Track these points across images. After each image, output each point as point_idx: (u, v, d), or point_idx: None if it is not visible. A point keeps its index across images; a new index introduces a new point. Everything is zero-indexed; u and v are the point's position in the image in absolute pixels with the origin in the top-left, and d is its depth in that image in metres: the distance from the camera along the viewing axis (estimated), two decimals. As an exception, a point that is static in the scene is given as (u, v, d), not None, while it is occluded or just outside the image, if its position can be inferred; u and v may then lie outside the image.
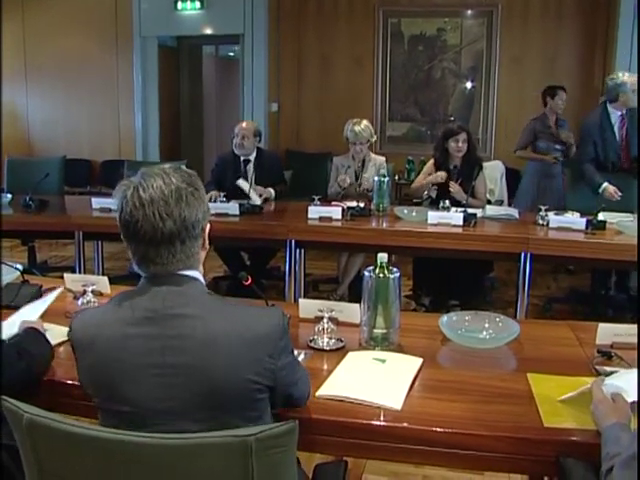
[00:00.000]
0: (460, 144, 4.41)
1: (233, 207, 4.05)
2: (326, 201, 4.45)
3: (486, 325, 2.12)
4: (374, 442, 1.60)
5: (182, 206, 1.34)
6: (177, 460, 1.17)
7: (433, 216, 3.92)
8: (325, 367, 1.87)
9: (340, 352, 1.97)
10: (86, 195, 5.83)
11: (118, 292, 1.47)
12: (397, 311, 2.01)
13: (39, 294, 2.42)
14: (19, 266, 2.59)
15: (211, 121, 8.62)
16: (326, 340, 2.02)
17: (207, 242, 1.46)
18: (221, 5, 7.14)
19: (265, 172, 4.71)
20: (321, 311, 2.06)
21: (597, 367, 1.86)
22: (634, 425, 1.44)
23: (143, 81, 7.57)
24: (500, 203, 4.58)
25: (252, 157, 4.77)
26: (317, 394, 1.67)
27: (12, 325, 1.90)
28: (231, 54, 9.03)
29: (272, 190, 4.67)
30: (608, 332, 2.04)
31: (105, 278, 2.50)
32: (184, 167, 1.47)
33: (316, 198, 4.21)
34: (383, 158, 4.82)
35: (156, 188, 1.33)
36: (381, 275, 1.97)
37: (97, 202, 4.33)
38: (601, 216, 3.86)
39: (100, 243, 4.54)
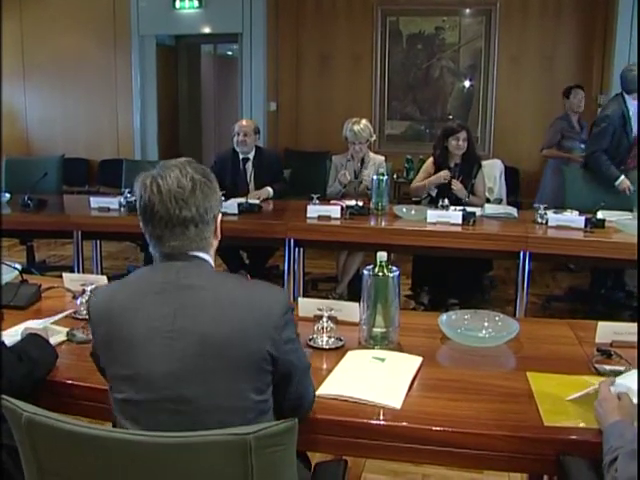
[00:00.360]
0: (461, 142, 4.41)
1: (232, 206, 4.04)
2: (325, 200, 4.45)
3: (485, 324, 2.12)
4: (374, 441, 1.59)
5: (197, 195, 1.44)
6: (176, 458, 1.17)
7: (432, 215, 3.92)
8: (324, 366, 1.87)
9: (339, 351, 1.97)
10: (84, 194, 5.82)
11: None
12: (396, 310, 2.01)
13: (38, 293, 2.41)
14: (18, 265, 2.59)
15: (209, 120, 8.61)
16: (325, 339, 2.02)
17: (219, 231, 1.55)
18: (219, 4, 7.12)
19: (264, 170, 4.71)
20: (320, 310, 2.06)
21: (597, 366, 1.86)
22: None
23: (141, 80, 7.56)
24: (499, 202, 4.58)
25: (251, 155, 4.76)
26: (317, 393, 1.66)
27: (15, 335, 1.89)
28: (229, 53, 9.02)
29: (270, 189, 4.66)
30: (608, 330, 2.04)
31: (104, 277, 2.50)
32: None
33: (315, 197, 4.21)
34: (382, 157, 4.81)
35: (173, 178, 1.44)
36: (380, 274, 1.97)
37: (95, 201, 4.32)
38: (600, 214, 3.86)
39: (99, 242, 4.54)
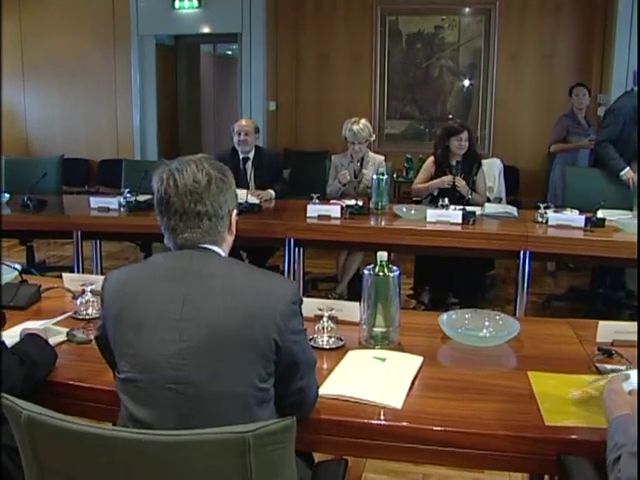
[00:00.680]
0: (463, 142, 4.43)
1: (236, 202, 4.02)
2: (325, 200, 4.44)
3: (486, 323, 2.12)
4: (374, 441, 1.59)
5: (212, 189, 1.49)
6: (176, 456, 1.17)
7: (432, 214, 3.92)
8: (325, 366, 1.86)
9: (340, 351, 1.97)
10: (84, 194, 5.82)
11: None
12: (397, 309, 2.00)
13: (38, 294, 2.41)
14: (18, 266, 2.58)
15: (209, 120, 8.60)
16: (326, 339, 2.01)
17: (234, 227, 1.59)
18: (219, 4, 7.12)
19: (264, 170, 4.70)
20: (321, 310, 2.05)
21: (598, 365, 1.86)
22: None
23: (141, 80, 7.55)
24: (499, 201, 4.58)
25: (251, 155, 4.76)
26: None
27: (14, 336, 1.88)
28: (229, 53, 9.02)
29: (272, 192, 4.65)
30: (608, 330, 2.04)
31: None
32: None
33: (315, 197, 4.20)
34: (382, 157, 4.80)
35: (190, 173, 1.48)
36: (381, 273, 1.96)
37: (95, 201, 4.32)
38: (600, 213, 3.86)
39: (98, 242, 4.53)
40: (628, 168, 4.37)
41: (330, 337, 2.02)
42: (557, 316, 4.08)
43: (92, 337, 1.97)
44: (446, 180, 4.41)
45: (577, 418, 1.58)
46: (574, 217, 3.86)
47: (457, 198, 4.27)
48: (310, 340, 1.98)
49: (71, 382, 1.77)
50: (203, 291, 1.42)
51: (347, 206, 4.09)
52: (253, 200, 4.34)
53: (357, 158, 4.68)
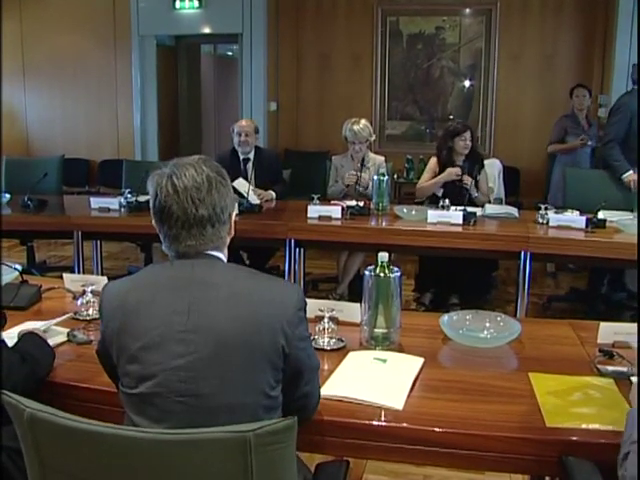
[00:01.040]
0: (467, 142, 4.45)
1: (235, 204, 4.01)
2: (326, 200, 4.44)
3: (487, 324, 2.12)
4: (375, 442, 1.59)
5: (213, 193, 1.44)
6: (177, 455, 1.17)
7: (433, 215, 3.92)
8: (326, 367, 1.86)
9: (341, 352, 1.96)
10: (85, 195, 5.82)
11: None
12: (398, 310, 2.00)
13: (38, 294, 2.41)
14: (18, 266, 2.58)
15: (209, 120, 8.60)
16: (327, 340, 2.01)
17: (233, 228, 1.56)
18: (219, 4, 7.12)
19: (264, 171, 4.69)
20: (321, 311, 2.05)
21: (599, 366, 1.85)
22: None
23: (141, 80, 7.56)
24: (499, 201, 4.57)
25: (251, 155, 4.75)
26: (319, 394, 1.66)
27: (14, 337, 1.88)
28: (229, 53, 9.01)
29: (273, 193, 4.64)
30: (609, 331, 2.03)
31: (104, 278, 2.49)
32: None
33: (315, 197, 4.20)
34: (382, 158, 4.80)
35: (189, 177, 1.43)
36: (382, 274, 1.96)
37: (96, 202, 4.32)
38: (601, 214, 3.86)
39: (99, 243, 4.53)
40: (631, 171, 4.34)
41: (331, 338, 2.02)
42: (558, 317, 4.08)
43: (92, 338, 1.98)
44: (453, 172, 4.41)
45: (578, 419, 1.57)
46: (575, 218, 3.86)
47: (461, 198, 4.24)
48: (311, 341, 1.98)
49: (72, 383, 1.77)
50: (207, 300, 1.38)
51: (348, 207, 4.09)
52: (254, 200, 4.34)
53: (357, 158, 4.68)
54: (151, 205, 1.47)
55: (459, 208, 4.01)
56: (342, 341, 2.02)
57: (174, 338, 1.35)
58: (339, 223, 3.95)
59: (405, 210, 4.14)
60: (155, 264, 1.55)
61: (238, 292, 1.41)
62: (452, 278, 4.44)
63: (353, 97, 7.38)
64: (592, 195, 4.25)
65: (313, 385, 1.54)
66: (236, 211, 1.60)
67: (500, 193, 5.12)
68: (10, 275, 2.49)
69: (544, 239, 3.72)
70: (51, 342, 1.92)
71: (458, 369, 1.91)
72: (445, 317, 2.12)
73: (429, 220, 3.90)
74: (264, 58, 7.20)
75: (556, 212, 4.00)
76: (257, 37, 7.12)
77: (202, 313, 1.36)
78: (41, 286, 2.46)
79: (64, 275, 2.56)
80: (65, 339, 2.02)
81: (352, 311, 2.17)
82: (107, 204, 4.27)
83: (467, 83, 7.31)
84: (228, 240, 1.55)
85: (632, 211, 4.01)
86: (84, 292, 2.27)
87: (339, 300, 4.01)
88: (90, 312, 2.21)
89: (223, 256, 1.52)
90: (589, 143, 5.49)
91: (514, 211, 4.16)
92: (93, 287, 2.26)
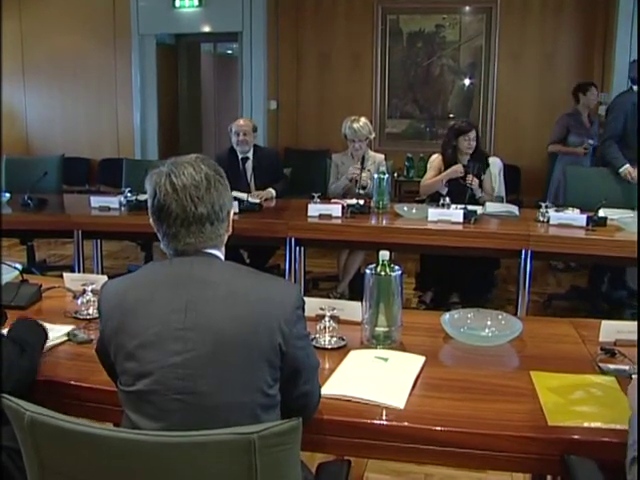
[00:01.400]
0: (471, 142, 4.44)
1: (233, 202, 4.01)
2: (326, 199, 4.44)
3: (488, 323, 2.11)
4: (377, 441, 1.58)
5: (211, 191, 1.45)
6: (180, 457, 1.16)
7: (433, 213, 3.91)
8: (327, 366, 1.86)
9: (342, 351, 1.96)
10: (85, 194, 5.82)
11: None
12: (399, 309, 2.00)
13: (38, 293, 2.41)
14: (18, 265, 2.58)
15: (209, 119, 8.60)
16: (328, 339, 2.00)
17: (231, 226, 1.56)
18: (219, 3, 7.11)
19: (264, 170, 4.68)
20: (322, 309, 2.04)
21: (601, 365, 1.85)
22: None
23: (141, 79, 7.55)
24: (500, 200, 4.56)
25: (250, 154, 4.74)
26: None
27: None
28: (229, 52, 9.01)
29: (272, 190, 4.63)
30: (611, 329, 2.03)
31: (104, 277, 2.47)
32: None
33: (316, 196, 4.19)
34: (382, 156, 4.79)
35: (187, 175, 1.43)
36: (383, 273, 1.95)
37: (96, 201, 4.31)
38: (602, 212, 3.86)
39: (99, 242, 4.53)
40: (627, 164, 4.39)
41: (332, 337, 2.01)
42: (559, 315, 4.07)
43: (93, 337, 1.97)
44: (457, 169, 4.40)
45: (580, 418, 1.57)
46: (575, 216, 3.85)
47: (465, 197, 4.22)
48: (312, 340, 1.97)
49: (71, 382, 1.76)
50: (206, 299, 1.38)
51: (348, 205, 4.09)
52: (254, 199, 4.33)
53: (357, 157, 4.67)
54: (149, 204, 1.47)
55: (460, 206, 4.00)
56: (343, 340, 2.01)
57: (172, 336, 1.35)
58: (339, 222, 3.95)
59: (405, 208, 4.14)
60: (154, 262, 1.55)
61: (236, 290, 1.41)
62: (453, 276, 4.44)
63: (353, 95, 7.37)
64: (593, 193, 4.25)
65: (313, 384, 1.54)
66: (235, 209, 1.59)
67: (501, 191, 5.11)
68: (10, 274, 2.48)
69: (545, 237, 3.71)
70: (52, 342, 1.93)
71: (459, 368, 1.91)
72: (446, 315, 2.12)
73: (430, 218, 3.90)
74: (264, 57, 7.19)
75: (557, 210, 3.99)
76: (257, 36, 7.12)
77: (200, 311, 1.36)
78: (41, 285, 2.45)
79: (64, 274, 2.56)
80: (65, 338, 2.01)
81: (353, 310, 2.16)
82: (107, 203, 4.27)
83: (467, 81, 7.30)
84: (226, 238, 1.55)
85: (633, 209, 4.01)
86: (84, 291, 2.27)
87: (339, 299, 4.01)
88: (90, 311, 2.21)
89: (221, 254, 1.52)
90: (590, 142, 5.48)
91: (515, 209, 4.16)
92: (93, 286, 2.25)
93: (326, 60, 7.51)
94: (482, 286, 4.54)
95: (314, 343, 1.96)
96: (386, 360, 1.86)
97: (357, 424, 1.58)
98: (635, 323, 2.02)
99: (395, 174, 6.71)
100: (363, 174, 4.59)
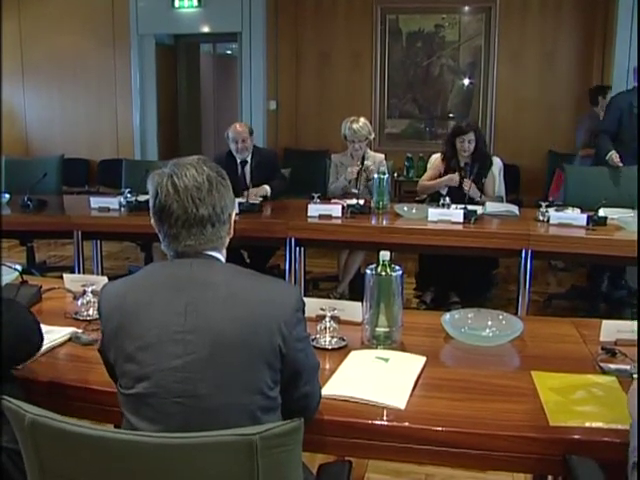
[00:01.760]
0: (466, 145, 4.39)
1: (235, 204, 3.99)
2: (326, 199, 4.43)
3: (489, 322, 2.11)
4: (378, 442, 1.58)
5: (213, 193, 1.44)
6: (181, 459, 1.16)
7: (433, 213, 3.91)
8: (328, 366, 1.85)
9: (342, 351, 1.95)
10: (84, 194, 5.81)
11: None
12: (399, 309, 1.99)
13: (38, 294, 2.40)
14: (18, 266, 2.57)
15: (209, 119, 8.60)
16: (328, 339, 2.00)
17: (232, 228, 1.55)
18: (219, 3, 7.11)
19: (262, 170, 4.63)
20: (323, 310, 2.04)
21: (601, 364, 1.85)
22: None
23: (141, 79, 7.55)
24: (500, 199, 4.56)
25: (249, 158, 4.68)
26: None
27: None
28: (229, 52, 9.01)
29: (267, 187, 4.57)
30: (612, 329, 2.02)
31: (104, 278, 2.48)
32: None
33: (316, 196, 4.19)
34: (382, 155, 4.79)
35: (190, 177, 1.43)
36: (383, 273, 1.95)
37: (95, 201, 4.31)
38: (602, 212, 3.85)
39: (99, 242, 4.52)
40: (613, 151, 4.47)
41: (332, 337, 2.01)
42: (559, 315, 4.07)
43: (96, 338, 1.97)
44: (454, 178, 4.39)
45: (582, 418, 1.57)
46: (576, 216, 3.85)
47: (463, 199, 4.21)
48: (312, 340, 1.97)
49: (73, 383, 1.76)
50: (205, 300, 1.37)
51: (348, 205, 4.08)
52: (254, 200, 4.32)
53: (357, 157, 4.66)
54: (151, 204, 1.46)
55: (460, 206, 4.00)
56: (343, 340, 2.01)
57: (171, 339, 1.35)
58: (339, 222, 3.95)
59: (405, 208, 4.13)
60: (154, 264, 1.55)
61: (236, 292, 1.40)
62: (452, 276, 4.43)
63: (353, 95, 7.37)
64: (593, 193, 4.25)
65: (313, 385, 1.54)
66: (236, 210, 1.59)
67: (501, 191, 5.11)
68: (10, 275, 2.48)
69: (545, 237, 3.71)
70: (53, 343, 1.93)
71: (460, 368, 1.90)
72: (447, 315, 2.11)
73: (430, 218, 3.89)
74: (263, 57, 7.19)
75: (557, 210, 3.99)
76: (256, 36, 7.11)
77: (200, 313, 1.36)
78: (41, 286, 2.45)
79: (64, 275, 2.55)
80: (66, 338, 2.01)
81: (353, 310, 2.16)
82: (107, 204, 4.27)
83: (467, 81, 7.30)
84: (227, 241, 1.54)
85: (633, 208, 4.00)
86: (84, 292, 2.26)
87: (340, 299, 4.01)
88: (90, 312, 2.21)
89: (222, 257, 1.52)
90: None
91: (515, 209, 4.15)
92: (93, 287, 2.25)
93: (326, 60, 7.51)
94: (481, 286, 4.54)
95: (315, 343, 1.96)
96: (387, 360, 1.86)
97: (358, 424, 1.58)
98: (635, 322, 2.01)
99: (395, 174, 6.71)
100: (367, 162, 4.55)
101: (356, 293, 4.19)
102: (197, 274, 1.42)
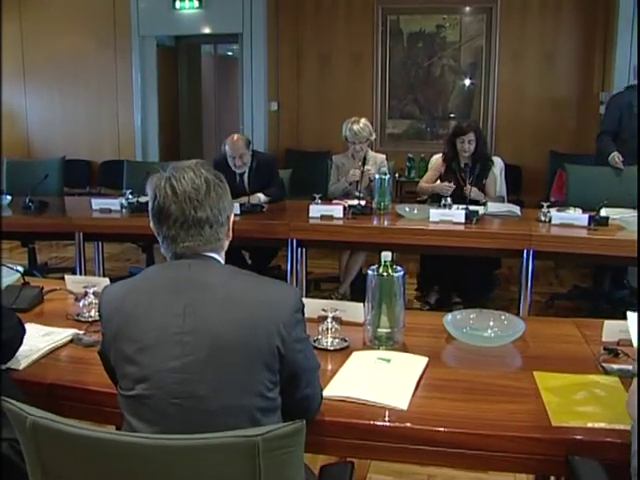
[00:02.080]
0: (466, 145, 4.38)
1: (234, 207, 3.97)
2: (327, 200, 4.43)
3: (491, 323, 2.11)
4: (380, 443, 1.58)
5: (211, 195, 1.45)
6: (183, 460, 1.15)
7: (435, 214, 3.91)
8: (329, 367, 1.85)
9: (344, 352, 1.95)
10: (86, 196, 5.82)
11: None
12: (401, 310, 1.99)
13: (40, 296, 2.40)
14: (20, 268, 2.57)
15: (210, 120, 8.59)
16: (330, 340, 2.00)
17: (231, 231, 1.56)
18: (219, 4, 7.11)
19: (260, 176, 4.54)
20: (324, 311, 2.04)
21: (604, 364, 1.85)
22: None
23: (142, 81, 7.55)
24: (502, 200, 4.56)
25: (246, 169, 4.55)
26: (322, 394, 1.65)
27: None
28: (230, 53, 9.01)
29: (261, 195, 4.46)
30: (614, 329, 2.02)
31: (106, 279, 2.48)
32: None
33: (317, 197, 4.18)
34: (383, 156, 4.78)
35: (188, 179, 1.44)
36: (385, 274, 1.95)
37: (97, 203, 4.31)
38: (603, 212, 3.85)
39: (100, 244, 4.52)
40: (615, 152, 4.47)
41: (334, 338, 2.01)
42: (561, 315, 4.06)
43: (98, 338, 1.97)
44: (444, 187, 4.36)
45: (584, 418, 1.56)
46: (577, 216, 3.85)
47: (467, 200, 4.18)
48: (314, 341, 1.97)
49: (74, 385, 1.76)
50: (203, 302, 1.38)
51: (350, 206, 4.08)
52: (255, 202, 4.31)
53: (358, 158, 4.65)
54: (150, 207, 1.48)
55: (461, 207, 4.00)
56: (345, 341, 2.01)
57: (170, 340, 1.35)
58: (341, 222, 3.95)
59: (407, 209, 4.13)
60: (153, 266, 1.55)
61: (234, 293, 1.40)
62: (454, 277, 4.43)
63: (354, 96, 7.36)
64: (594, 193, 4.24)
65: (314, 387, 1.54)
66: (236, 211, 1.59)
67: (502, 191, 5.11)
68: (12, 277, 2.48)
69: (547, 237, 3.71)
70: (53, 345, 1.94)
71: (462, 368, 1.90)
72: (449, 316, 2.11)
73: (431, 219, 3.89)
74: (264, 58, 7.19)
75: (558, 210, 3.99)
76: (257, 37, 7.11)
77: (198, 315, 1.36)
78: (43, 288, 2.45)
79: (66, 277, 2.56)
80: (68, 339, 2.01)
81: (355, 311, 2.15)
82: (108, 205, 4.27)
83: (468, 81, 7.29)
84: (226, 244, 1.55)
85: (634, 208, 4.00)
86: (86, 293, 2.27)
87: (341, 300, 4.01)
88: (92, 313, 2.21)
89: (220, 259, 1.52)
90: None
91: (516, 209, 4.15)
92: (95, 288, 2.25)
93: (326, 61, 7.50)
94: (483, 286, 4.53)
95: (316, 344, 1.96)
96: (389, 361, 1.86)
97: (360, 425, 1.58)
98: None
99: (396, 175, 6.69)
100: (367, 166, 4.53)
101: (358, 294, 4.18)
102: (195, 275, 1.42)
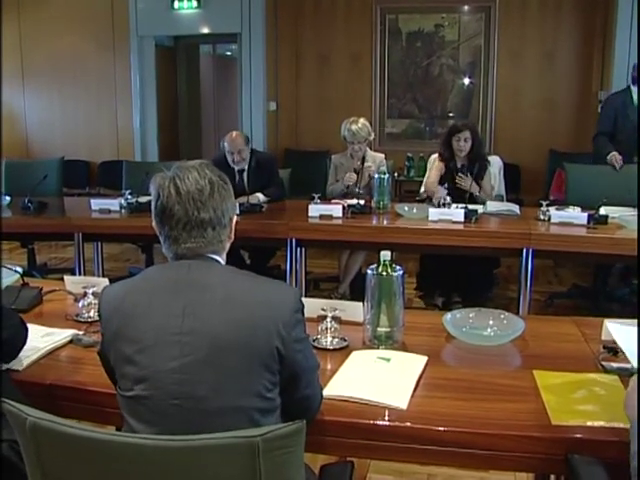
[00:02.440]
0: (462, 143, 4.36)
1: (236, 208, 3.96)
2: (326, 199, 4.43)
3: (490, 322, 2.11)
4: (380, 442, 1.58)
5: (215, 197, 1.45)
6: (183, 461, 1.15)
7: (434, 213, 3.91)
8: (329, 367, 1.85)
9: (344, 351, 1.95)
10: (85, 196, 5.82)
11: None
12: (401, 309, 1.99)
13: (39, 296, 2.40)
14: (19, 268, 2.57)
15: (209, 120, 8.60)
16: (329, 339, 2.00)
17: (233, 233, 1.56)
18: (218, 4, 7.11)
19: (259, 176, 4.55)
20: (324, 310, 2.04)
21: (603, 363, 1.84)
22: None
23: (140, 81, 7.55)
24: (500, 199, 4.56)
25: (245, 166, 4.59)
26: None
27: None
28: (228, 53, 9.01)
29: (260, 195, 4.47)
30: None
31: (105, 280, 2.47)
32: None
33: (316, 196, 4.18)
34: (382, 155, 4.78)
35: (192, 180, 1.44)
36: (384, 273, 1.95)
37: (96, 203, 4.31)
38: (603, 210, 3.85)
39: (100, 244, 4.52)
40: (614, 152, 4.49)
41: (334, 337, 2.01)
42: (560, 314, 4.06)
43: (97, 339, 1.97)
44: (440, 197, 4.30)
45: (584, 417, 1.56)
46: (576, 214, 3.85)
47: (465, 197, 4.17)
48: (314, 341, 1.97)
49: (74, 385, 1.76)
50: (203, 303, 1.38)
51: (349, 205, 4.08)
52: (254, 201, 4.32)
53: (357, 157, 4.65)
54: (153, 206, 1.48)
55: (460, 206, 4.00)
56: (345, 340, 2.01)
57: (169, 340, 1.35)
58: (340, 222, 3.95)
59: (406, 208, 4.13)
60: (153, 267, 1.55)
61: (234, 294, 1.40)
62: (453, 276, 4.43)
63: (352, 96, 7.37)
64: (594, 191, 4.24)
65: (314, 387, 1.54)
66: (237, 211, 1.59)
67: (501, 190, 5.11)
68: (11, 278, 2.48)
69: (546, 236, 3.71)
70: (53, 345, 1.94)
71: (462, 367, 1.90)
72: (448, 315, 2.11)
73: (430, 218, 3.89)
74: (263, 58, 7.19)
75: (558, 209, 3.99)
76: (256, 37, 7.11)
77: (197, 315, 1.36)
78: (42, 288, 2.45)
79: (65, 277, 2.55)
80: (68, 340, 2.01)
81: (355, 310, 2.15)
82: (107, 205, 4.27)
83: (467, 81, 7.29)
84: (228, 245, 1.55)
85: (634, 207, 4.00)
86: (85, 294, 2.26)
87: (341, 299, 4.00)
88: (91, 314, 2.21)
89: (221, 260, 1.52)
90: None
91: (515, 208, 4.15)
92: (94, 289, 2.25)
93: (325, 60, 7.50)
94: (482, 285, 4.53)
95: (316, 344, 1.96)
96: (388, 360, 1.86)
97: (360, 425, 1.58)
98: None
99: (395, 174, 6.69)
100: (367, 163, 4.53)
101: (357, 293, 4.18)
102: (195, 276, 1.42)
